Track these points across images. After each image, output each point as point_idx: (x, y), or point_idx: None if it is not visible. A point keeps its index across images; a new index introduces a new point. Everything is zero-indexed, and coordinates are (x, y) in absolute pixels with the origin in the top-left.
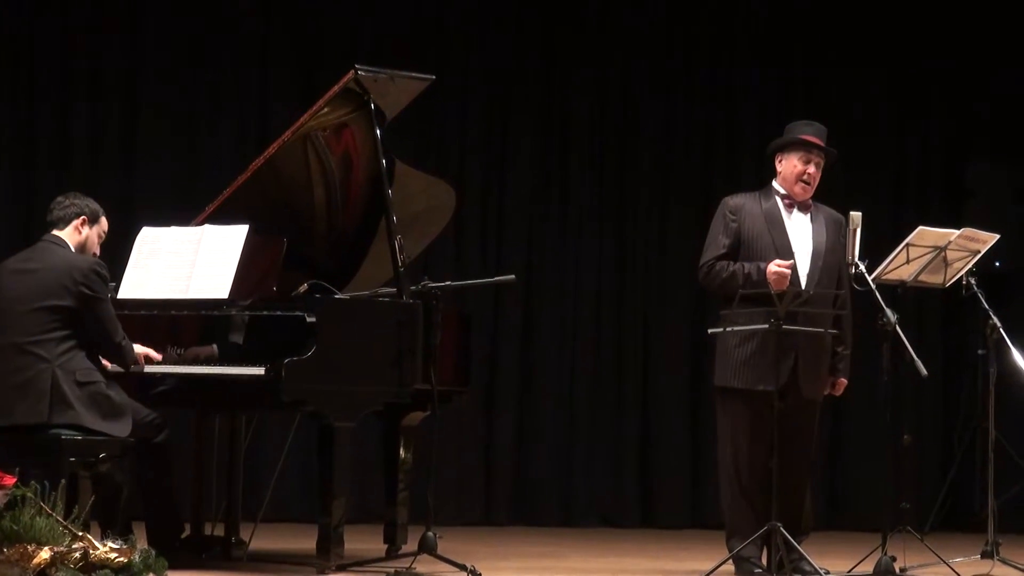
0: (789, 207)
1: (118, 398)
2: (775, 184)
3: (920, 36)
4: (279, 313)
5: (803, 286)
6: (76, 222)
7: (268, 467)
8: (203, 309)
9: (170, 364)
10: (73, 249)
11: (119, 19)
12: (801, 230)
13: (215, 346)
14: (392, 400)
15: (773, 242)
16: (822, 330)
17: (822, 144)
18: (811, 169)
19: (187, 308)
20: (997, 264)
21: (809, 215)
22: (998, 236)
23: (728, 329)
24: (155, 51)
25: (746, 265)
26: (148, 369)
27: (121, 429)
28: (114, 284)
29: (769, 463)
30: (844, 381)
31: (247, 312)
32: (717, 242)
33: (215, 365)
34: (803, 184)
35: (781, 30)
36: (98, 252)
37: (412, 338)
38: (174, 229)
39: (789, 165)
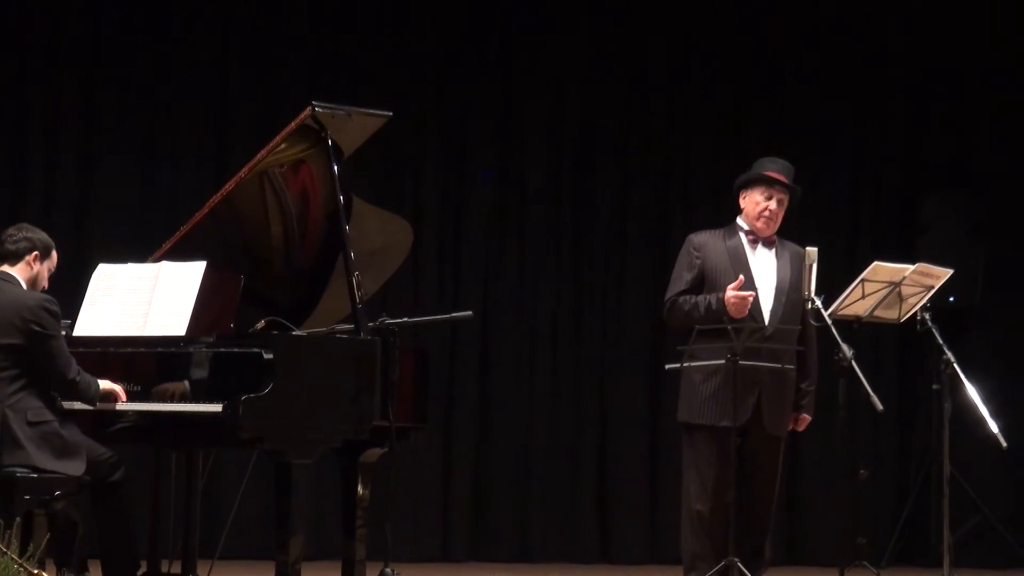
0: (753, 243)
1: (71, 437)
2: (739, 221)
3: (876, 72)
4: (236, 350)
5: (766, 322)
6: (28, 257)
7: (225, 504)
8: (160, 346)
9: (128, 400)
10: (24, 285)
11: (76, 52)
12: (765, 266)
13: (186, 383)
14: (350, 437)
15: (735, 278)
16: (779, 366)
17: (786, 180)
18: (772, 205)
19: (144, 345)
20: (951, 299)
21: (774, 251)
22: (952, 271)
23: (684, 364)
24: (112, 86)
25: (707, 297)
26: (102, 406)
27: (75, 468)
28: (69, 321)
29: (727, 497)
30: (807, 417)
31: (204, 349)
32: (681, 278)
33: (175, 402)
34: (764, 219)
35: (739, 65)
36: (47, 286)
37: (370, 375)
38: (131, 266)
39: (751, 201)
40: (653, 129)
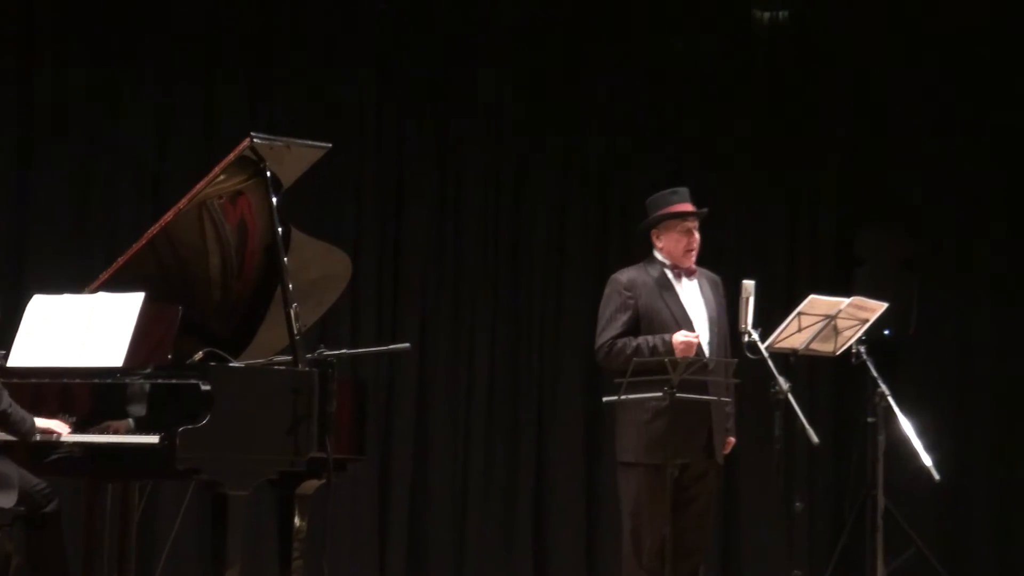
0: (677, 276)
1: (3, 468)
2: (658, 256)
3: (812, 103)
4: (174, 381)
5: (707, 354)
6: None
7: (162, 535)
8: (96, 377)
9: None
10: None
11: (13, 79)
12: (693, 298)
13: (123, 414)
14: (287, 468)
15: (672, 314)
16: (715, 398)
17: (695, 209)
18: (695, 238)
19: (80, 376)
20: (886, 332)
21: (696, 281)
22: (887, 305)
23: (622, 397)
24: (50, 114)
25: (650, 338)
26: (38, 436)
27: (7, 499)
28: (3, 352)
29: (664, 532)
30: (732, 440)
31: (141, 380)
32: (615, 320)
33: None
34: (689, 254)
35: (673, 98)
36: None
37: (307, 406)
38: (67, 297)
39: (671, 241)
40: (590, 163)
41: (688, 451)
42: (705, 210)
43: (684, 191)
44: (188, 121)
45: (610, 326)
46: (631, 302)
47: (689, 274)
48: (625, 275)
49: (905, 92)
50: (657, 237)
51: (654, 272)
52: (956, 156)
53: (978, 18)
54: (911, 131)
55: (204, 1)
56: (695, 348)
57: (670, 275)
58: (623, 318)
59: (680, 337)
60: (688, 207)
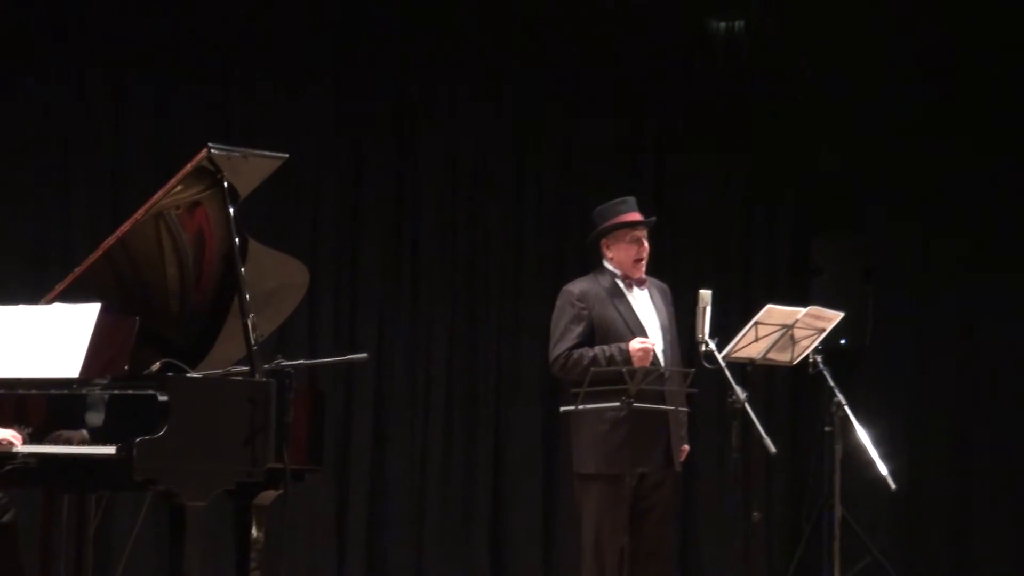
0: (628, 286)
1: None
2: (608, 266)
3: (768, 113)
4: (131, 392)
5: (662, 363)
6: None
7: (119, 546)
8: (53, 388)
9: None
10: None
11: None
12: (645, 307)
13: (79, 425)
14: (244, 479)
15: (627, 324)
16: (673, 408)
17: (643, 219)
18: (645, 247)
19: (36, 387)
20: (843, 342)
21: (646, 290)
22: (843, 314)
23: (580, 407)
24: (5, 124)
25: (606, 348)
26: None
27: None
28: None
29: (623, 542)
30: (687, 447)
31: (98, 391)
32: (569, 332)
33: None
34: (638, 264)
35: (633, 108)
36: None
37: (265, 417)
38: (22, 307)
39: (621, 251)
40: (548, 171)
41: (647, 460)
42: (653, 219)
43: (632, 200)
44: (145, 131)
45: (565, 337)
46: (585, 313)
47: (640, 283)
48: (577, 286)
49: (862, 100)
50: (607, 247)
51: (605, 282)
52: (913, 164)
53: (935, 25)
54: (867, 140)
55: (163, 7)
56: (651, 354)
57: (621, 285)
58: (577, 329)
59: (636, 344)
60: (637, 216)
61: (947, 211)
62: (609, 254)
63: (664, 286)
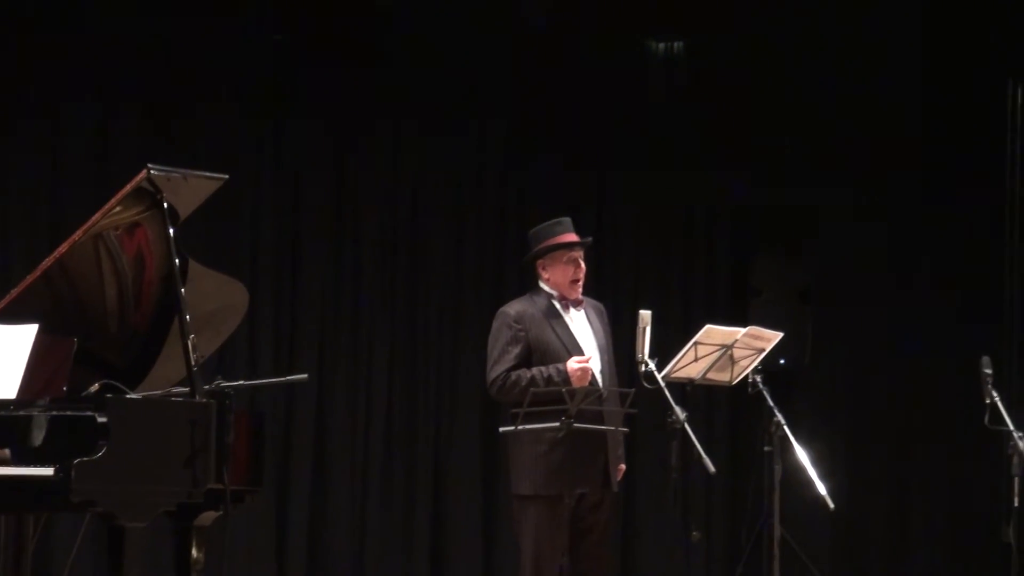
0: (565, 307)
1: None
2: (544, 287)
3: (706, 133)
4: (69, 413)
5: (600, 383)
6: None
7: (58, 567)
8: None
9: None
10: None
11: None
12: (582, 328)
13: (7, 450)
14: (184, 500)
15: (563, 344)
16: (612, 428)
17: (580, 239)
18: (581, 268)
19: None
20: (782, 362)
21: (583, 311)
22: (782, 334)
23: (519, 427)
24: None
25: (544, 369)
26: None
27: None
28: None
29: (563, 563)
30: (623, 467)
31: (36, 412)
32: (506, 353)
33: (5, 466)
34: (575, 285)
35: (568, 129)
36: None
37: (205, 438)
38: None
39: (557, 272)
40: (487, 196)
41: (586, 481)
42: (589, 240)
43: (567, 221)
44: (83, 152)
45: (503, 359)
46: (522, 335)
47: (576, 304)
48: (513, 308)
49: (799, 121)
50: (543, 268)
51: (541, 303)
52: (851, 184)
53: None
54: (805, 160)
55: (99, 30)
56: (590, 374)
57: (558, 306)
58: (515, 351)
59: (574, 364)
60: (573, 237)
61: (880, 230)
62: (545, 275)
63: (600, 306)
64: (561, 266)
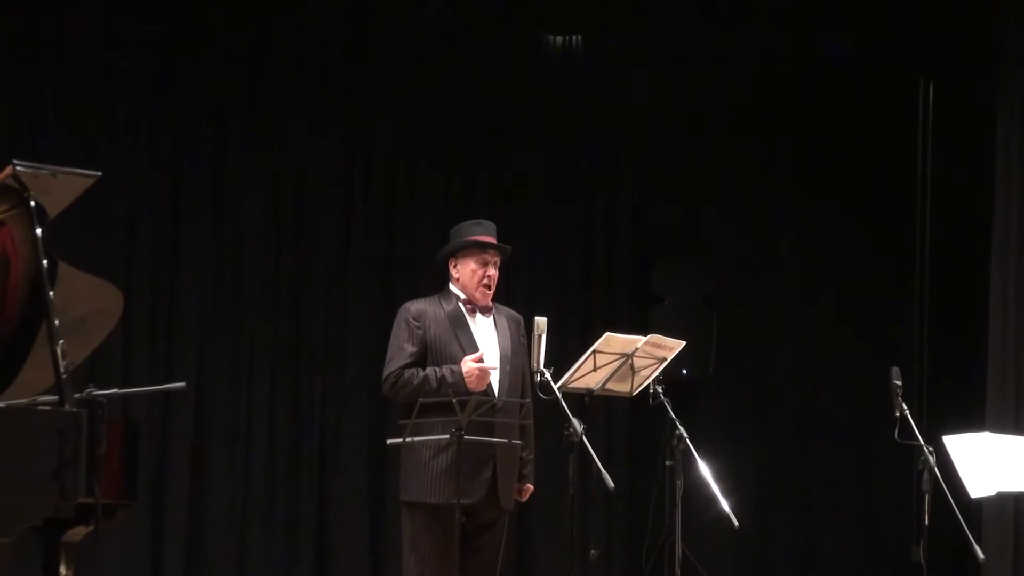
0: (471, 312)
1: None
2: (453, 288)
3: (607, 138)
4: None
5: (496, 393)
6: None
7: None
8: None
9: None
10: None
11: None
12: (486, 335)
13: None
14: (52, 514)
15: (463, 349)
16: (509, 440)
17: (496, 243)
18: (491, 271)
19: None
20: (684, 372)
21: (491, 318)
22: (684, 343)
23: (407, 439)
24: None
25: (438, 369)
26: None
27: None
28: None
29: (449, 573)
30: (531, 487)
31: None
32: (402, 350)
33: None
34: (484, 288)
35: (464, 127)
36: None
37: (75, 449)
38: None
39: (467, 271)
40: (376, 193)
41: (471, 492)
42: (509, 248)
43: (490, 225)
44: None
45: (397, 356)
46: (420, 332)
47: (485, 311)
48: (415, 305)
49: (698, 123)
50: (454, 267)
51: (447, 305)
52: (752, 189)
53: (771, 48)
54: (706, 164)
55: None
56: (488, 377)
57: (464, 309)
58: (411, 348)
59: (470, 363)
60: (489, 239)
61: (785, 238)
62: (456, 274)
63: (517, 317)
64: (472, 266)
